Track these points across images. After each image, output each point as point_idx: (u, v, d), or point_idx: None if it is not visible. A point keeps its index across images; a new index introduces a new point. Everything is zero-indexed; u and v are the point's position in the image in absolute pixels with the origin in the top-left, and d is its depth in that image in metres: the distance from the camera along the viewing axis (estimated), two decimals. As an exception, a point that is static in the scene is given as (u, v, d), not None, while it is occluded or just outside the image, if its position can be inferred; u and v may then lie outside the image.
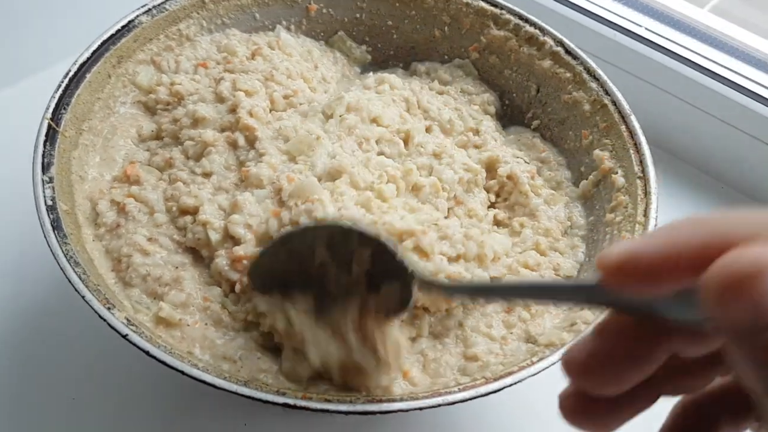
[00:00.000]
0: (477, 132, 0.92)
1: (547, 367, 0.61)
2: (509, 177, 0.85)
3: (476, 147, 0.90)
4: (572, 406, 0.39)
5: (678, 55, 1.09)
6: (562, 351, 0.62)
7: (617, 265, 0.34)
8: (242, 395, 0.57)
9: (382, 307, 0.58)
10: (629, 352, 0.37)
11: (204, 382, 0.58)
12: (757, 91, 1.04)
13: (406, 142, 0.85)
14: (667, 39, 1.12)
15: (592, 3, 1.16)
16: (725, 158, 1.10)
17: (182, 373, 0.58)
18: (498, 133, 0.94)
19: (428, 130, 0.90)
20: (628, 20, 1.14)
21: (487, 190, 0.86)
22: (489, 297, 0.57)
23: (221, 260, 0.70)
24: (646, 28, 1.14)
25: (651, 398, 0.40)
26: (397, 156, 0.83)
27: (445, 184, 0.80)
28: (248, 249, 0.69)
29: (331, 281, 0.59)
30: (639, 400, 0.39)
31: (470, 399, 0.59)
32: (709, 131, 1.09)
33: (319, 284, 0.59)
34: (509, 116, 0.99)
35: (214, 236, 0.71)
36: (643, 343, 0.36)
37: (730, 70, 1.07)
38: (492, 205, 0.86)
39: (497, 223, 0.84)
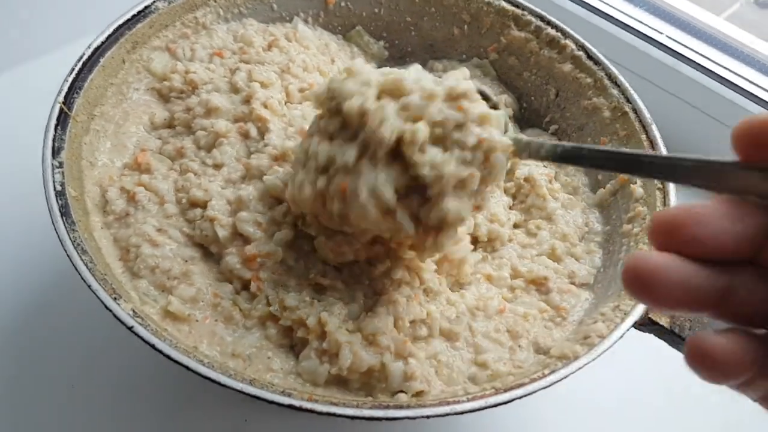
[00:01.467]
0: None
1: (558, 380, 0.60)
2: (527, 180, 0.84)
3: None
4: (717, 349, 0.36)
5: (699, 65, 1.08)
6: (575, 364, 0.61)
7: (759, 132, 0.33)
8: (247, 394, 0.56)
9: None
10: (734, 213, 0.36)
11: (208, 378, 0.56)
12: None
13: None
14: (688, 48, 1.10)
15: (613, 7, 1.15)
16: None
17: (186, 368, 0.57)
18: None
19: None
20: (650, 27, 1.13)
21: (504, 191, 0.85)
22: (579, 162, 0.54)
23: (232, 258, 0.69)
24: (668, 36, 1.12)
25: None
26: None
27: None
28: (260, 247, 0.68)
29: None
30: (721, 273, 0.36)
31: (479, 409, 0.58)
32: (727, 144, 1.07)
33: None
34: (526, 119, 0.97)
35: (222, 233, 0.69)
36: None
37: (753, 83, 1.05)
38: (509, 208, 0.85)
39: (513, 225, 0.83)
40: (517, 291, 0.76)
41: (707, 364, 0.36)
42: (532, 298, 0.76)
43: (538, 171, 0.84)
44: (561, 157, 0.55)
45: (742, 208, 0.36)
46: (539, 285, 0.77)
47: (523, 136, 0.58)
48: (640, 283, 0.36)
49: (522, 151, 0.58)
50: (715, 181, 0.39)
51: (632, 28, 1.12)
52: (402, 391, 0.64)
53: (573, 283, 0.77)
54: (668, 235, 0.36)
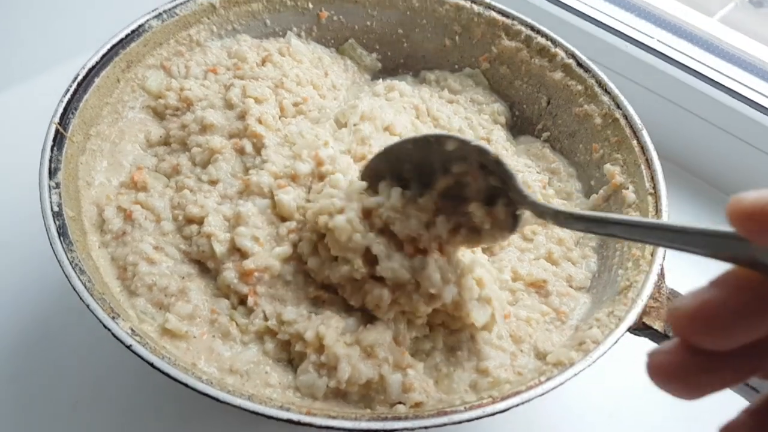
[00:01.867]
0: (488, 141, 0.91)
1: (554, 387, 0.61)
2: None
3: None
4: (663, 363, 0.38)
5: (690, 68, 1.08)
6: (570, 371, 0.61)
7: (752, 212, 0.32)
8: (246, 410, 0.56)
9: (488, 221, 0.63)
10: (747, 307, 0.35)
11: (207, 395, 0.57)
12: (765, 105, 1.04)
13: None
14: (679, 51, 1.11)
15: (606, 14, 1.15)
16: (736, 173, 1.09)
17: (185, 385, 0.57)
18: (509, 143, 0.93)
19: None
20: (641, 32, 1.13)
21: None
22: (608, 231, 0.51)
23: (229, 273, 0.69)
24: (658, 40, 1.13)
25: (745, 372, 0.38)
26: None
27: None
28: (258, 262, 0.69)
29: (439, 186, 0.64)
30: (733, 369, 0.37)
31: (476, 419, 0.58)
32: (720, 146, 1.08)
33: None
34: (519, 127, 0.98)
35: (219, 249, 0.70)
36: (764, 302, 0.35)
37: (744, 85, 1.06)
38: None
39: None
40: (518, 293, 0.77)
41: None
42: (533, 301, 0.76)
43: (531, 177, 0.85)
44: (575, 223, 0.55)
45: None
46: (539, 287, 0.77)
47: (546, 206, 0.58)
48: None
49: (544, 217, 0.58)
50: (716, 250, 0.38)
51: (623, 33, 1.13)
52: (401, 403, 0.64)
53: (571, 287, 0.77)
54: (689, 328, 0.37)
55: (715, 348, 0.36)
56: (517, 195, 0.60)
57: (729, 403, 0.78)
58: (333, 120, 0.85)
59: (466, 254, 0.69)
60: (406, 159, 0.67)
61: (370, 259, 0.66)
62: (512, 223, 0.63)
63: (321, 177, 0.75)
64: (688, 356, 0.37)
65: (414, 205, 0.65)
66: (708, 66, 1.09)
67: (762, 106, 1.04)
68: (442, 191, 0.65)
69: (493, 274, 0.75)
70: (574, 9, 1.16)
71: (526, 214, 0.61)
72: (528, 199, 0.59)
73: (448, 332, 0.72)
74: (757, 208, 0.33)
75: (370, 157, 0.75)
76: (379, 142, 0.80)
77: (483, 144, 0.62)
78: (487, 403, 0.59)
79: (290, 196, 0.73)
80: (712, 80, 1.07)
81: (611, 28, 1.13)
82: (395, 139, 0.82)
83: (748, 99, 1.05)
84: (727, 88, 1.06)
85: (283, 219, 0.73)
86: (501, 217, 0.63)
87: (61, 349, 0.81)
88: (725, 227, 0.36)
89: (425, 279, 0.64)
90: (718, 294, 0.36)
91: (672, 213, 0.75)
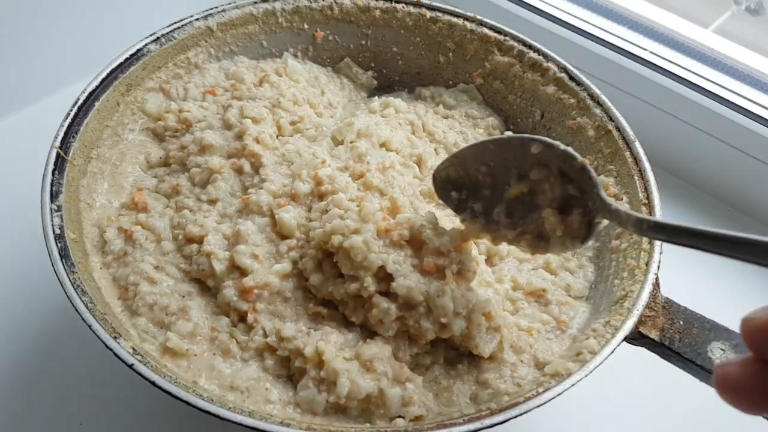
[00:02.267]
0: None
1: (552, 398, 0.61)
2: None
3: None
4: (731, 375, 0.39)
5: (683, 78, 1.10)
6: (568, 381, 0.62)
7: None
8: (247, 426, 0.57)
9: (561, 228, 0.62)
10: None
11: (208, 412, 0.58)
12: (762, 114, 1.04)
13: (419, 165, 0.86)
14: (671, 62, 1.12)
15: (597, 27, 1.17)
16: (731, 180, 1.10)
17: (187, 403, 0.58)
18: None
19: (434, 153, 0.91)
20: (633, 44, 1.15)
21: None
22: (692, 243, 0.49)
23: (229, 291, 0.70)
24: (651, 52, 1.14)
25: None
26: (412, 178, 0.84)
27: None
28: (257, 279, 0.70)
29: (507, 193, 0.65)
30: None
31: (475, 431, 0.58)
32: (714, 153, 1.09)
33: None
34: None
35: (219, 267, 0.71)
36: None
37: (735, 93, 1.07)
38: None
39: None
40: (518, 303, 0.78)
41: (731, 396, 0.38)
42: (534, 310, 0.77)
43: None
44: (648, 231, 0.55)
45: None
46: (538, 297, 0.78)
47: (629, 214, 0.57)
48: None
49: (625, 225, 0.58)
50: None
51: (616, 45, 1.14)
52: (400, 416, 0.65)
53: (570, 296, 0.78)
54: (762, 341, 0.38)
55: None
56: (600, 203, 0.59)
57: (722, 411, 0.79)
58: (330, 138, 0.86)
59: (479, 289, 0.71)
60: (482, 161, 0.66)
61: (381, 276, 0.67)
62: (585, 233, 0.62)
63: (321, 196, 0.76)
64: (760, 370, 0.38)
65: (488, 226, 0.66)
66: (701, 76, 1.10)
67: (755, 114, 1.05)
68: (515, 198, 0.65)
69: (501, 294, 0.76)
70: (567, 23, 1.17)
71: (603, 223, 0.60)
72: (611, 207, 0.58)
73: (449, 347, 0.73)
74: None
75: (434, 160, 0.78)
76: (375, 159, 0.82)
77: (569, 149, 0.61)
78: (486, 415, 0.60)
79: (290, 215, 0.74)
80: (705, 90, 1.08)
81: (604, 41, 1.15)
82: (391, 155, 0.83)
83: (742, 108, 1.06)
84: (721, 97, 1.07)
85: (284, 237, 0.74)
86: (575, 226, 0.62)
87: (65, 370, 0.82)
88: None
89: (439, 307, 0.66)
90: None
91: (666, 221, 0.75)
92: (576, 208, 0.62)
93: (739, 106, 1.06)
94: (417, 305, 0.66)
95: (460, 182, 0.69)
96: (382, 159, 0.82)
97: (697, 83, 1.09)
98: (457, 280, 0.68)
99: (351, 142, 0.83)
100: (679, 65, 1.12)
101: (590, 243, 0.84)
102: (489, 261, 0.82)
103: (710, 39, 1.16)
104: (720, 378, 0.39)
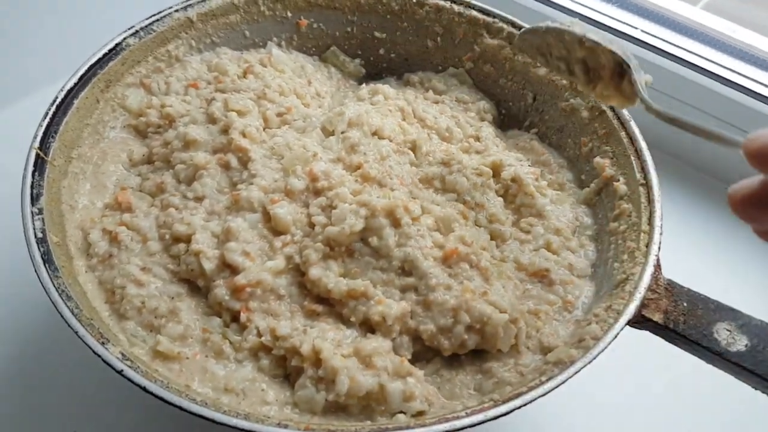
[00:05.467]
0: (478, 138, 0.91)
1: (556, 387, 0.60)
2: (513, 179, 0.84)
3: (478, 153, 0.89)
4: (743, 191, 0.48)
5: (674, 55, 1.08)
6: (571, 369, 0.60)
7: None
8: (243, 429, 0.55)
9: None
10: None
11: (203, 417, 0.56)
12: (755, 89, 1.03)
13: (413, 151, 0.84)
14: (663, 40, 1.10)
15: (588, 7, 1.15)
16: (726, 158, 1.09)
17: (180, 408, 0.56)
18: (498, 139, 0.92)
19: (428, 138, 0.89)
20: (624, 23, 1.13)
21: (495, 193, 0.85)
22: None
23: (220, 290, 0.68)
24: (642, 30, 1.12)
25: None
26: (409, 166, 0.82)
27: (465, 196, 0.81)
28: (250, 276, 0.68)
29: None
30: None
31: (479, 423, 0.57)
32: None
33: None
34: (506, 125, 0.97)
35: (209, 266, 0.69)
36: None
37: (728, 68, 1.06)
38: None
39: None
40: (524, 284, 0.76)
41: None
42: (539, 290, 0.75)
43: (524, 170, 0.84)
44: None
45: None
46: (542, 277, 0.76)
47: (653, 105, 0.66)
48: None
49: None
50: None
51: (606, 25, 1.12)
52: (402, 412, 0.63)
53: (573, 275, 0.76)
54: None
55: None
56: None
57: (733, 404, 0.78)
58: (319, 128, 0.84)
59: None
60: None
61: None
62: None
63: (317, 192, 0.74)
64: None
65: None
66: (693, 53, 1.09)
67: (750, 90, 1.03)
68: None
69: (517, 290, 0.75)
70: (557, 4, 1.15)
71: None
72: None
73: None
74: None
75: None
76: (369, 148, 0.79)
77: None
78: (489, 406, 0.59)
79: (285, 210, 0.72)
80: (699, 67, 1.06)
81: (594, 21, 1.13)
82: (385, 144, 0.81)
83: (736, 84, 1.04)
84: (714, 74, 1.06)
85: (278, 233, 0.72)
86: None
87: (53, 378, 0.80)
88: None
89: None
90: None
91: (664, 202, 0.74)
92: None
93: (732, 81, 1.05)
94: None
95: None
96: (376, 148, 0.80)
97: (689, 60, 1.08)
98: (478, 267, 0.70)
99: (342, 132, 0.81)
100: (670, 43, 1.10)
101: (590, 221, 0.83)
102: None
103: (700, 15, 1.15)
104: (732, 194, 0.48)
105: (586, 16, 1.13)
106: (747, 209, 0.48)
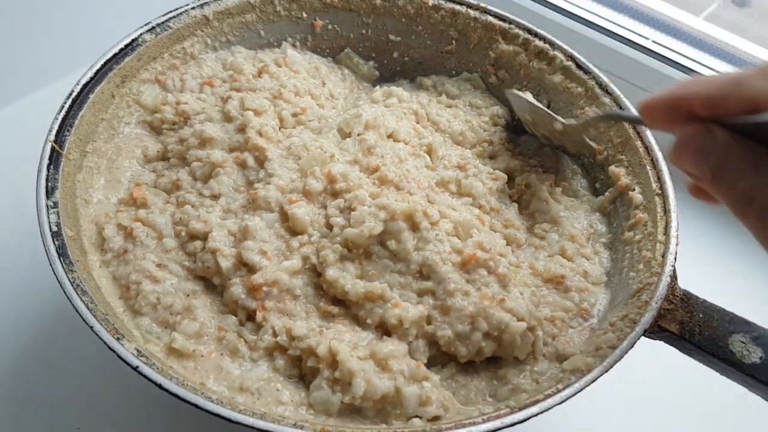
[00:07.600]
0: (490, 143, 0.91)
1: (573, 395, 0.59)
2: (527, 185, 0.83)
3: (492, 158, 0.89)
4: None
5: (686, 67, 1.08)
6: (588, 378, 0.60)
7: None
8: (259, 429, 0.55)
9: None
10: None
11: (218, 415, 0.55)
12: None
13: (429, 155, 0.84)
14: (675, 52, 1.11)
15: (599, 16, 1.15)
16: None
17: (195, 406, 0.56)
18: (512, 144, 0.92)
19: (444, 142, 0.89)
20: (636, 33, 1.13)
21: (509, 198, 0.85)
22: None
23: (236, 289, 0.68)
24: (654, 41, 1.13)
25: None
26: (426, 170, 0.82)
27: (481, 201, 0.81)
28: (266, 276, 0.67)
29: None
30: None
31: (495, 430, 0.57)
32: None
33: None
34: (520, 129, 0.97)
35: (225, 264, 0.68)
36: None
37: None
38: None
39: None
40: (540, 290, 0.75)
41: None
42: (555, 297, 0.75)
43: (538, 176, 0.84)
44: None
45: None
46: (557, 283, 0.76)
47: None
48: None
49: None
50: None
51: (618, 35, 1.13)
52: (417, 416, 0.63)
53: (588, 282, 0.76)
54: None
55: None
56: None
57: (740, 406, 0.78)
58: (336, 130, 0.83)
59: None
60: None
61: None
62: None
63: (335, 194, 0.74)
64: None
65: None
66: (699, 63, 1.09)
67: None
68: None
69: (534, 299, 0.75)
70: (571, 13, 1.15)
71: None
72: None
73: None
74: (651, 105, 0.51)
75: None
76: (385, 151, 0.79)
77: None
78: (506, 413, 0.58)
79: (303, 210, 0.72)
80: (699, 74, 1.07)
81: (606, 30, 1.13)
82: (401, 146, 0.81)
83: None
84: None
85: (295, 233, 0.72)
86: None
87: (63, 373, 0.79)
88: None
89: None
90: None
91: (681, 212, 0.74)
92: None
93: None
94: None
95: None
96: (393, 151, 0.80)
97: (696, 70, 1.08)
98: (496, 274, 0.70)
99: (359, 134, 0.81)
100: (682, 54, 1.11)
101: (604, 229, 0.82)
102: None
103: (704, 26, 1.15)
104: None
105: (598, 25, 1.13)
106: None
